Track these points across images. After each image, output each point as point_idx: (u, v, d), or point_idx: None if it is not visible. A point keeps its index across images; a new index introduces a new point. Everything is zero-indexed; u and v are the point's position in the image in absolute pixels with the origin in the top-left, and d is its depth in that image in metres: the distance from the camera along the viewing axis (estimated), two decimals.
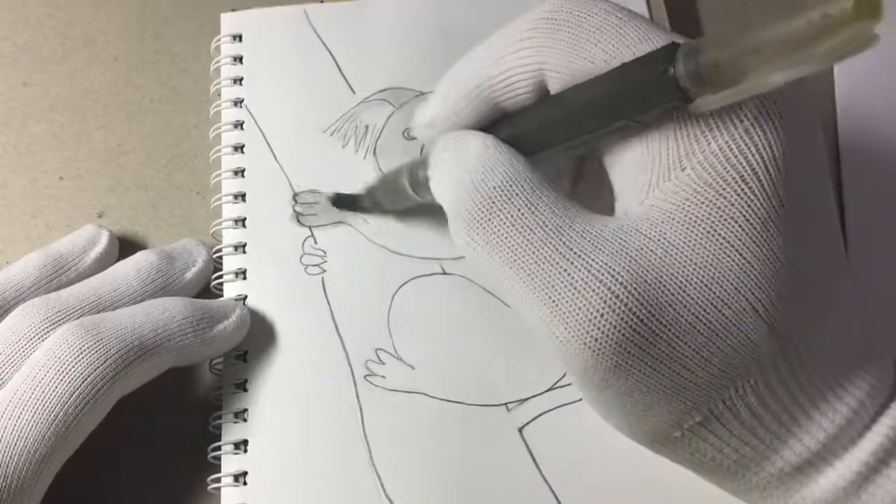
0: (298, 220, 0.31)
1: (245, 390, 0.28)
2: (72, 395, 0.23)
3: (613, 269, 0.18)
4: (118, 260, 0.30)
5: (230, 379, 0.28)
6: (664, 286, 0.18)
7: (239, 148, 0.32)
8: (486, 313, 0.29)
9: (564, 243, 0.19)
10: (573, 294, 0.19)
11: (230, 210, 0.31)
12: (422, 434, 0.27)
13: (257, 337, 0.29)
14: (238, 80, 0.34)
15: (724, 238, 0.18)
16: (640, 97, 0.19)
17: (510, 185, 0.20)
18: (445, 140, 0.23)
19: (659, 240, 0.18)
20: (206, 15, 0.37)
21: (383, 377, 0.28)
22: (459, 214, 0.21)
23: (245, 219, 0.31)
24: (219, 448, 0.27)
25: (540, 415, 0.27)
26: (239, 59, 0.34)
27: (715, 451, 0.20)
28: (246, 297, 0.30)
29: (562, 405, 0.28)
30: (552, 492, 0.26)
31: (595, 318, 0.18)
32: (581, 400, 0.27)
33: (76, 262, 0.29)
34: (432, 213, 0.31)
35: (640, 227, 0.19)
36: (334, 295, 0.30)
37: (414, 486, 0.27)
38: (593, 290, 0.18)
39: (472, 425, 0.27)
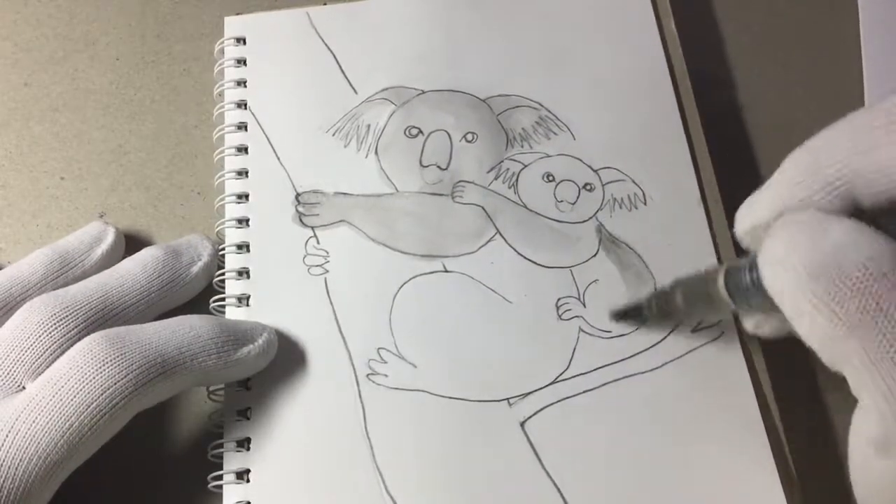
0: (301, 221, 0.31)
1: (248, 389, 0.28)
2: (89, 406, 0.23)
3: None
4: (124, 257, 0.30)
5: None
6: None
7: (242, 149, 0.33)
8: (487, 310, 0.29)
9: None
10: None
11: (233, 210, 0.32)
12: (424, 432, 0.28)
13: None
14: (241, 83, 0.34)
15: None
16: None
17: None
18: (795, 219, 0.20)
19: None
20: (206, 15, 0.37)
21: (385, 376, 0.29)
22: (826, 281, 0.18)
23: (248, 219, 0.31)
24: (221, 446, 0.28)
25: (541, 409, 0.28)
26: (242, 62, 0.35)
27: None
28: (249, 296, 0.30)
29: (563, 399, 0.28)
30: (554, 485, 0.27)
31: None
32: (582, 393, 0.28)
33: (82, 259, 0.30)
34: (435, 211, 0.31)
35: None
36: (337, 295, 0.30)
37: (416, 484, 0.27)
38: None
39: (474, 421, 0.28)
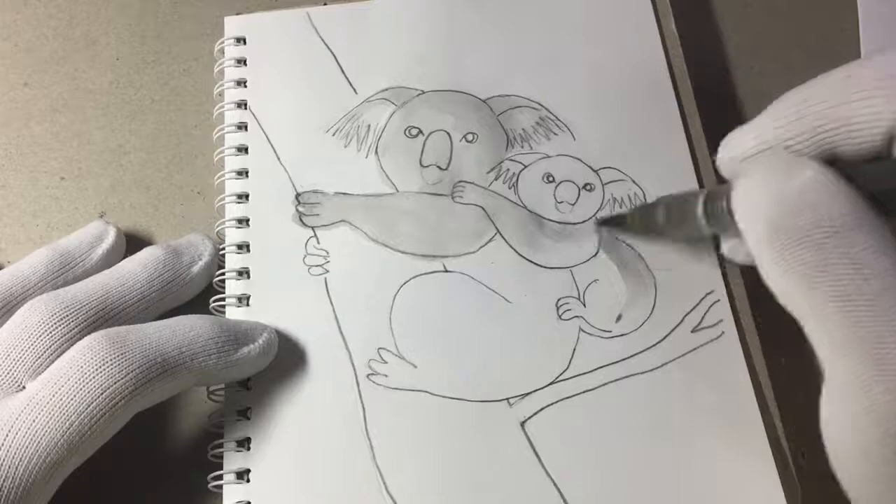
0: (301, 221, 0.31)
1: (248, 389, 0.28)
2: (89, 406, 0.23)
3: None
4: (125, 256, 0.30)
5: None
6: None
7: (242, 149, 0.33)
8: (488, 310, 0.29)
9: None
10: None
11: (233, 210, 0.32)
12: (424, 432, 0.28)
13: None
14: (241, 83, 0.34)
15: None
16: None
17: (858, 219, 0.19)
18: (766, 163, 0.21)
19: None
20: (206, 15, 0.37)
21: (386, 376, 0.29)
22: (784, 230, 0.19)
23: (248, 219, 0.31)
24: (221, 446, 0.28)
25: (542, 409, 0.28)
26: (242, 62, 0.35)
27: None
28: (249, 296, 0.30)
29: (563, 399, 0.28)
30: (554, 485, 0.27)
31: None
32: (582, 393, 0.28)
33: (83, 259, 0.30)
34: (435, 211, 0.31)
35: None
36: (337, 295, 0.30)
37: (416, 484, 0.27)
38: None
39: (474, 421, 0.28)
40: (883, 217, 0.19)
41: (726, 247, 0.26)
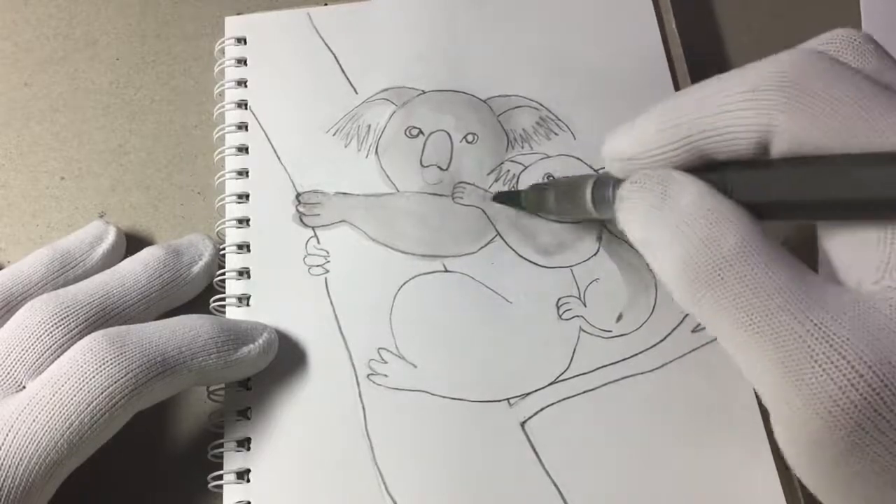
0: (301, 221, 0.31)
1: (248, 389, 0.28)
2: (89, 405, 0.23)
3: (856, 347, 0.18)
4: (125, 256, 0.30)
5: None
6: None
7: (243, 149, 0.33)
8: (488, 310, 0.29)
9: (803, 311, 0.18)
10: (812, 365, 0.18)
11: (234, 210, 0.32)
12: (424, 432, 0.28)
13: None
14: (242, 83, 0.34)
15: None
16: None
17: (745, 245, 0.19)
18: (647, 178, 0.22)
19: None
20: (206, 15, 0.37)
21: (386, 376, 0.29)
22: (685, 271, 0.20)
23: (248, 219, 0.31)
24: (221, 446, 0.28)
25: (542, 409, 0.28)
26: (243, 62, 0.35)
27: None
28: (249, 296, 0.30)
29: (563, 399, 0.28)
30: (555, 485, 0.27)
31: (835, 393, 0.18)
32: (583, 393, 0.28)
33: (83, 259, 0.30)
34: (435, 212, 0.31)
35: (879, 308, 0.18)
36: (337, 295, 0.30)
37: (416, 484, 0.27)
38: (835, 365, 0.18)
39: (475, 422, 0.28)
40: (761, 225, 0.20)
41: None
